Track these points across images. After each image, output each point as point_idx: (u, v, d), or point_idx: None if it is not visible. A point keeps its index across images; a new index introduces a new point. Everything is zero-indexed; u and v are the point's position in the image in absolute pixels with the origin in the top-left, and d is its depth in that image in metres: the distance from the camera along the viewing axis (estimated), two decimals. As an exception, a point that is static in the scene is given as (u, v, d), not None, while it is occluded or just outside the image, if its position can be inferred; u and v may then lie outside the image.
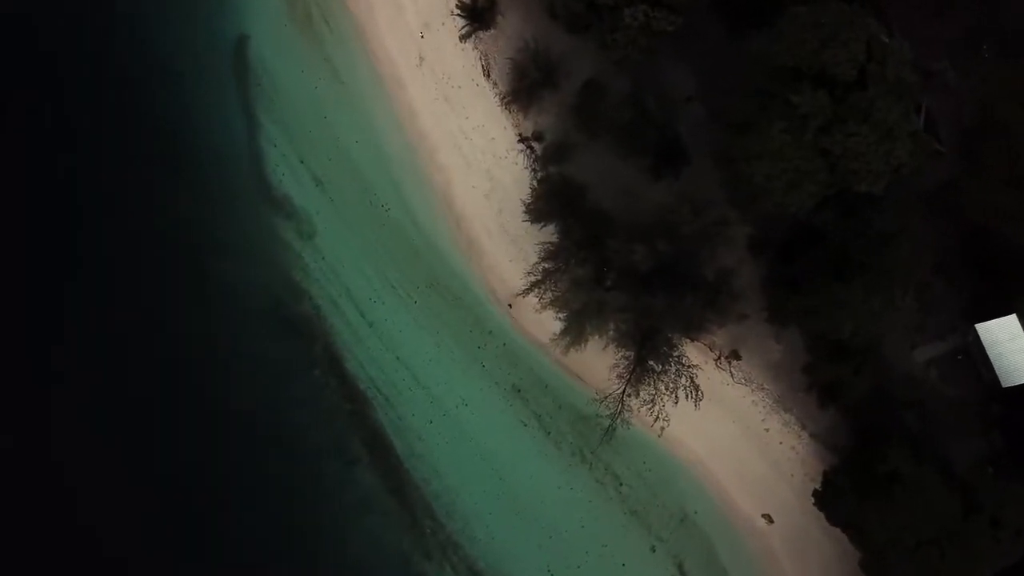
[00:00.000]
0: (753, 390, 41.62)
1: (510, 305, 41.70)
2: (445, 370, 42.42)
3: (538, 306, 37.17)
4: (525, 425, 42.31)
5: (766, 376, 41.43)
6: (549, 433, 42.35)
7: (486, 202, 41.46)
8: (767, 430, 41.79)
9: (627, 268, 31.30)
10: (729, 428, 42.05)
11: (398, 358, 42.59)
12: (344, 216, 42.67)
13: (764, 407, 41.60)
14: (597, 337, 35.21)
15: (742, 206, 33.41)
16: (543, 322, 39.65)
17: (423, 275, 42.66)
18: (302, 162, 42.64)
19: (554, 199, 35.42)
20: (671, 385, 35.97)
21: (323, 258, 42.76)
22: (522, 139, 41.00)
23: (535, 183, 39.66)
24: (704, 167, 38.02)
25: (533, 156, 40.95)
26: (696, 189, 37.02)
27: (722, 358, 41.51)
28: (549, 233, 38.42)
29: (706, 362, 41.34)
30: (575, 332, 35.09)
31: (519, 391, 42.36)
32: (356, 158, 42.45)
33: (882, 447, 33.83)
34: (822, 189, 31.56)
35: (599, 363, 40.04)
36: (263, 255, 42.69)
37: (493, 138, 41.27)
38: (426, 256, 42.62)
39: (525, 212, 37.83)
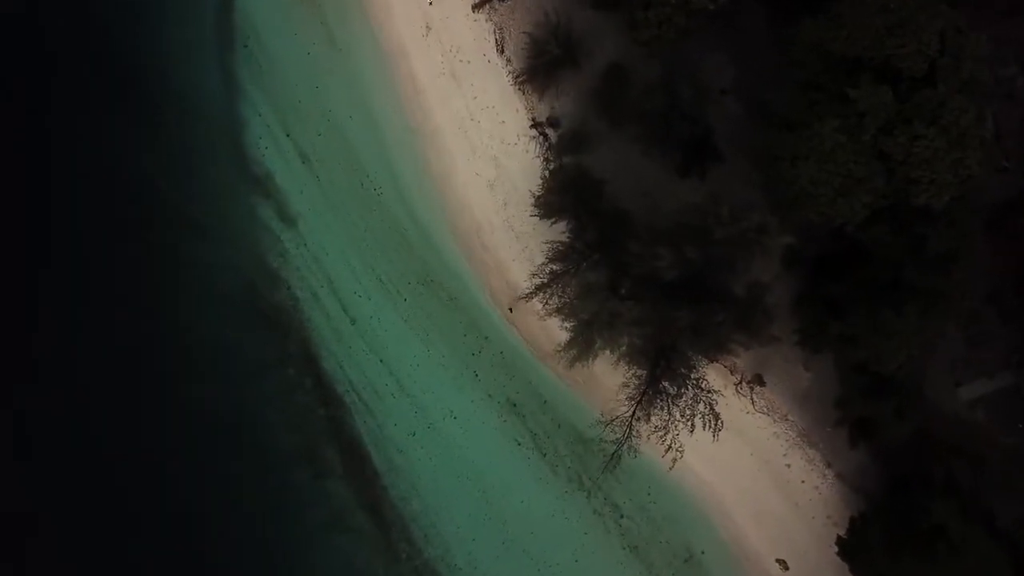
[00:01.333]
0: (776, 420, 38.53)
1: (511, 309, 38.55)
2: (433, 377, 39.24)
3: (542, 312, 34.02)
4: (519, 444, 39.12)
5: (791, 406, 38.35)
6: (545, 455, 39.17)
7: (490, 193, 38.30)
8: (788, 466, 38.69)
9: (647, 276, 28.17)
10: (746, 461, 38.96)
11: (382, 360, 39.38)
12: (331, 198, 39.46)
13: (787, 440, 38.51)
14: (607, 352, 32.01)
15: (781, 213, 30.25)
16: (547, 331, 36.52)
17: (415, 270, 39.47)
18: (288, 135, 39.44)
19: (567, 193, 32.27)
20: (687, 411, 32.81)
21: (305, 244, 39.55)
22: (535, 124, 37.87)
23: (547, 174, 36.44)
24: (737, 167, 35.04)
25: (546, 144, 37.82)
26: (727, 190, 33.92)
27: (743, 383, 38.38)
28: (559, 231, 35.29)
29: (725, 386, 38.25)
30: (582, 345, 31.91)
31: (515, 406, 39.18)
32: (349, 135, 39.24)
33: (923, 497, 30.71)
34: (875, 199, 28.46)
35: (606, 380, 36.99)
36: (238, 236, 39.48)
37: (503, 121, 38.14)
38: (420, 249, 39.43)
39: (534, 206, 34.66)
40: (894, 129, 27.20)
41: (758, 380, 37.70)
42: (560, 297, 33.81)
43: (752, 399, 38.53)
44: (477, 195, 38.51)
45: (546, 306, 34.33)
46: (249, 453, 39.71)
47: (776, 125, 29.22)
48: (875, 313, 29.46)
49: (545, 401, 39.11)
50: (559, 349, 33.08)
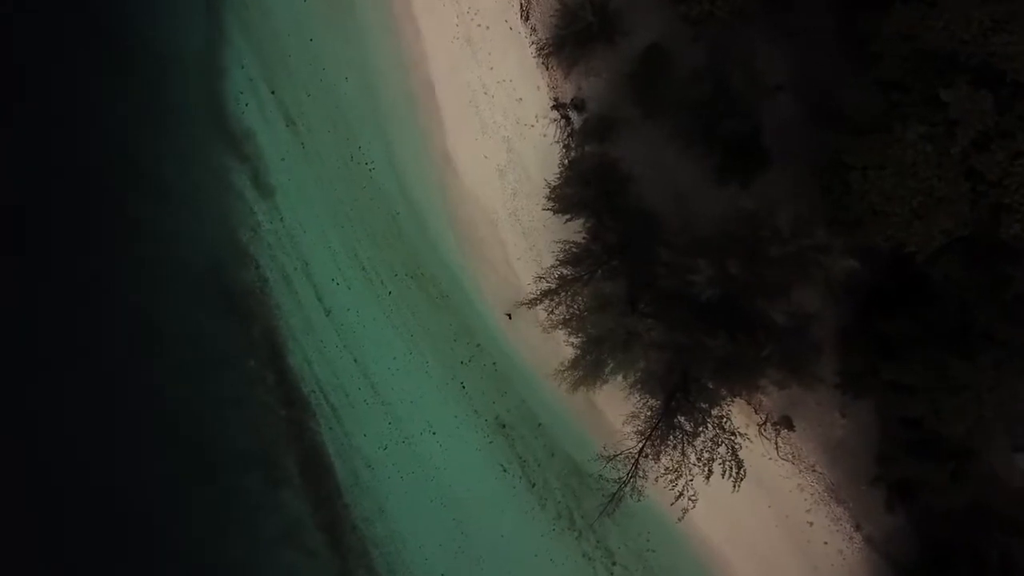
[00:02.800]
0: (801, 471, 34.65)
1: (509, 315, 34.62)
2: (414, 385, 35.32)
3: (545, 323, 30.13)
4: (505, 471, 35.19)
5: (821, 456, 34.48)
6: (534, 485, 35.24)
7: (499, 179, 34.38)
8: (810, 524, 34.82)
9: (677, 291, 24.28)
10: (762, 513, 35.08)
11: (356, 360, 35.43)
12: (315, 169, 35.50)
13: (811, 494, 34.64)
14: (618, 377, 28.13)
15: (839, 232, 26.36)
16: (549, 344, 32.61)
17: (404, 260, 35.51)
18: (273, 93, 35.45)
19: (587, 187, 28.42)
20: (704, 454, 28.95)
21: (280, 218, 35.56)
22: (557, 105, 33.96)
23: (566, 163, 32.64)
24: (786, 175, 31.28)
25: (568, 129, 33.90)
26: (771, 200, 30.10)
27: (768, 424, 34.53)
28: (573, 230, 31.43)
29: (747, 426, 34.37)
30: (590, 366, 28.04)
31: (504, 426, 35.24)
32: (342, 98, 35.26)
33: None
34: (957, 226, 24.63)
35: (612, 408, 33.13)
36: (205, 202, 35.52)
37: (520, 99, 34.22)
38: (412, 236, 35.48)
39: (547, 198, 30.77)
40: (990, 143, 23.37)
41: (786, 423, 33.82)
42: (568, 307, 29.93)
43: (777, 444, 34.67)
44: (483, 181, 34.58)
45: (551, 316, 30.44)
46: (196, 450, 35.69)
47: (847, 129, 25.34)
48: (941, 362, 25.63)
49: (539, 424, 35.19)
50: (562, 368, 29.14)
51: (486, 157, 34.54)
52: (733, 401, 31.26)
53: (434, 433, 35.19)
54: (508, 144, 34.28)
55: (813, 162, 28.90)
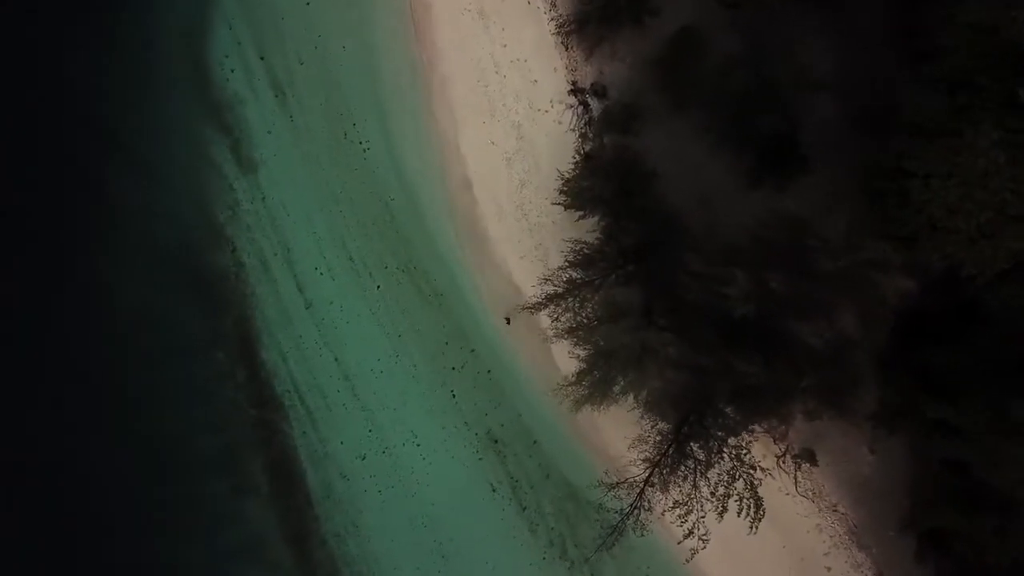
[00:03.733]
0: (821, 510, 31.92)
1: (508, 320, 31.92)
2: (399, 390, 32.57)
3: (549, 331, 27.43)
4: (494, 491, 32.45)
5: (845, 495, 31.74)
6: (525, 508, 32.49)
7: (506, 168, 31.66)
8: (829, 569, 32.11)
9: (704, 305, 21.57)
10: (775, 554, 32.34)
11: (337, 360, 32.70)
12: (304, 146, 32.75)
13: (831, 536, 31.92)
14: (628, 397, 25.44)
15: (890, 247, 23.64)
16: (552, 355, 29.94)
17: (396, 252, 32.77)
18: (262, 58, 32.71)
19: (606, 180, 25.72)
20: (720, 489, 26.27)
21: (263, 198, 32.82)
22: (576, 90, 31.25)
23: (582, 154, 29.94)
24: (825, 180, 28.45)
25: (586, 117, 31.18)
26: (814, 206, 27.42)
27: (788, 456, 31.81)
28: (585, 229, 28.83)
29: (764, 456, 31.70)
30: (597, 383, 25.34)
31: (495, 442, 32.51)
32: (339, 69, 32.52)
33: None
34: (1025, 248, 21.99)
35: (617, 428, 30.41)
36: (180, 176, 32.77)
37: (535, 80, 31.52)
38: (406, 226, 32.73)
39: (560, 192, 28.14)
40: (1075, 155, 20.76)
41: (808, 456, 31.06)
42: (575, 314, 27.27)
43: (796, 478, 31.95)
44: (488, 169, 31.85)
45: (555, 323, 27.77)
46: (155, 448, 32.93)
47: (908, 132, 22.62)
48: (999, 402, 22.93)
49: (535, 442, 32.44)
50: (565, 383, 26.47)
51: (493, 143, 31.82)
52: (754, 432, 28.72)
53: (418, 445, 32.46)
54: (518, 130, 31.56)
55: (858, 167, 26.30)
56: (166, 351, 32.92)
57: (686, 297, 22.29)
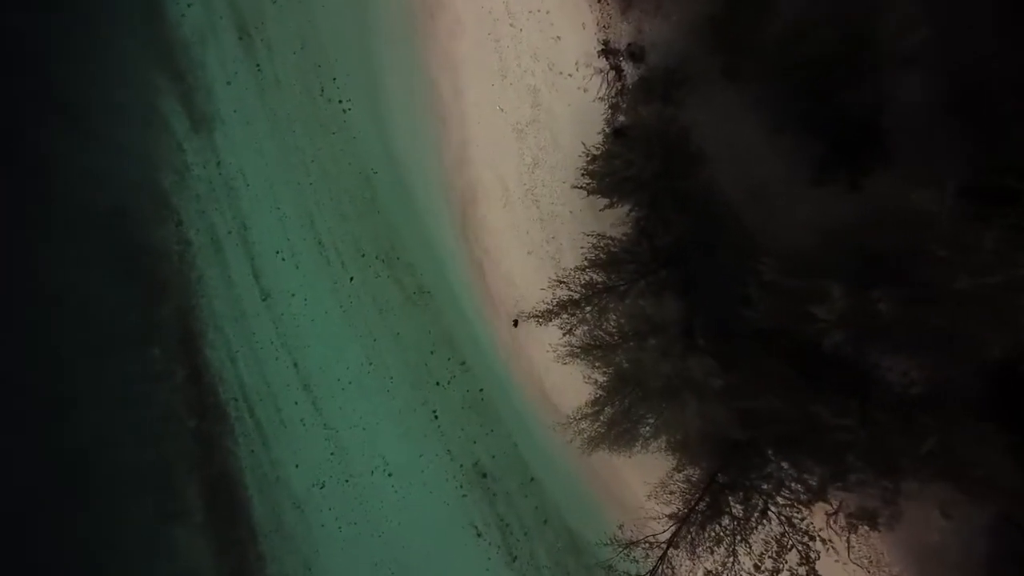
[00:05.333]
0: (879, 582, 27.16)
1: (516, 322, 26.86)
2: (370, 406, 27.59)
3: (561, 345, 22.42)
4: (479, 535, 27.43)
5: (909, 565, 26.83)
6: (515, 559, 27.45)
7: (516, 142, 26.67)
8: (883, 654, 27.31)
9: (771, 327, 16.62)
10: (817, 630, 27.54)
11: (296, 365, 27.73)
12: (272, 101, 27.78)
13: (888, 615, 27.14)
14: (659, 439, 20.47)
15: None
16: (561, 377, 24.92)
17: (376, 238, 27.78)
18: (227, -8, 27.84)
19: (645, 160, 20.67)
20: (767, 561, 21.38)
21: (218, 162, 27.83)
22: (607, 51, 26.22)
23: (612, 129, 24.96)
24: (914, 176, 23.71)
25: (618, 85, 26.18)
26: (889, 209, 22.54)
27: (840, 514, 26.90)
28: (610, 221, 23.98)
29: (809, 511, 26.85)
30: (620, 419, 20.33)
31: (484, 476, 27.50)
32: (319, 9, 27.48)
33: None
34: None
35: (636, 469, 25.47)
36: (118, 126, 27.79)
37: (558, 37, 26.54)
38: (390, 206, 27.76)
39: (583, 173, 23.15)
40: None
41: (868, 519, 26.13)
42: (595, 328, 22.30)
43: (849, 541, 27.05)
44: (494, 142, 26.85)
45: (568, 336, 22.81)
46: (70, 458, 27.98)
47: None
48: None
49: (532, 479, 27.45)
50: (578, 414, 21.46)
51: (502, 110, 26.82)
52: (810, 485, 23.78)
53: (389, 474, 27.46)
54: (534, 96, 26.57)
55: (958, 162, 21.44)
56: (88, 342, 27.85)
57: (746, 315, 17.39)
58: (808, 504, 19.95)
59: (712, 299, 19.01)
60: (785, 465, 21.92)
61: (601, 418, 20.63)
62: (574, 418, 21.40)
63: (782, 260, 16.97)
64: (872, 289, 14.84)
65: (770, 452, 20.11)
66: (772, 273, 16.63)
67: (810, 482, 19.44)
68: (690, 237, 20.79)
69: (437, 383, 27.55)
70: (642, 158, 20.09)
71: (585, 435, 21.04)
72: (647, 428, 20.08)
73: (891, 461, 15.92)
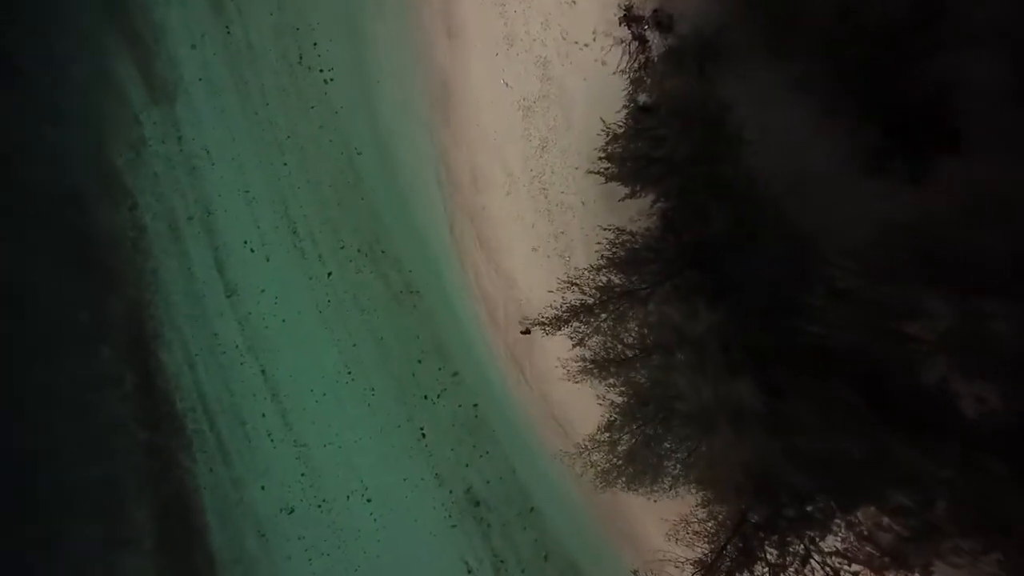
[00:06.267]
0: (927, 637, 23.95)
1: (527, 330, 23.61)
2: (348, 422, 24.39)
3: (572, 360, 19.24)
4: (470, 571, 24.15)
5: (963, 621, 23.77)
6: (511, 599, 24.38)
7: (522, 120, 23.49)
8: None
9: (841, 347, 13.51)
10: None
11: (264, 372, 24.53)
12: (243, 69, 24.55)
13: (937, 675, 23.94)
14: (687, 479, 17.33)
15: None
16: (571, 392, 21.66)
17: (359, 228, 24.58)
18: (194, -59, 24.63)
19: (679, 139, 17.53)
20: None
21: (179, 137, 24.63)
22: (630, 18, 22.95)
23: (634, 108, 21.80)
24: (984, 170, 20.64)
25: (642, 57, 22.95)
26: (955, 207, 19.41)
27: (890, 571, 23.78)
28: (630, 215, 20.82)
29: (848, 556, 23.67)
30: (640, 451, 17.15)
31: (477, 504, 24.30)
32: (298, -35, 24.46)
33: None
34: None
35: (654, 504, 22.29)
36: (66, 93, 24.58)
37: (573, 1, 23.34)
38: (376, 192, 24.56)
39: (601, 156, 20.00)
40: None
41: (921, 569, 23.05)
42: (611, 339, 19.14)
43: (895, 590, 23.95)
44: (497, 120, 23.66)
45: (578, 347, 19.66)
46: (4, 477, 24.83)
47: None
48: None
49: (532, 509, 24.23)
50: (590, 443, 18.28)
51: (507, 84, 23.62)
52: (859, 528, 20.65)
53: (368, 500, 24.26)
54: (544, 68, 23.37)
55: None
56: (27, 341, 24.69)
57: (806, 329, 14.26)
58: (880, 571, 16.78)
59: (757, 308, 15.88)
60: (834, 506, 18.84)
61: (618, 449, 17.47)
62: (585, 447, 18.23)
63: (861, 261, 13.84)
64: (982, 303, 11.79)
65: (825, 499, 17.00)
66: (851, 278, 13.52)
67: (875, 537, 16.26)
68: (728, 233, 17.66)
69: (425, 396, 24.31)
70: (676, 135, 16.94)
71: (598, 469, 17.87)
72: (675, 465, 16.92)
73: (1002, 523, 12.83)
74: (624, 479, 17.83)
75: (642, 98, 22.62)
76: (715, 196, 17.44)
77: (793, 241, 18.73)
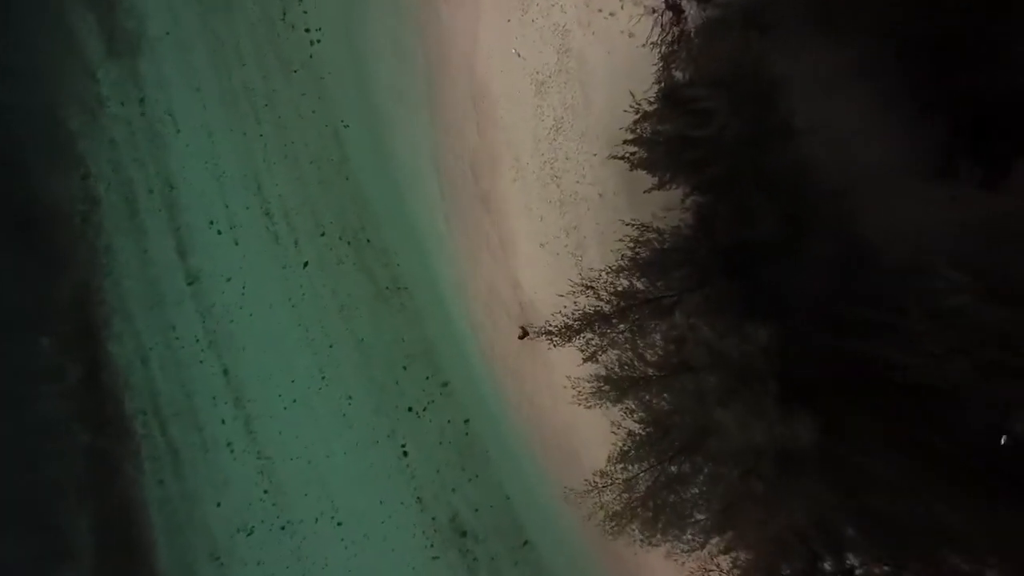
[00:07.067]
0: None
1: (525, 333, 20.77)
2: (319, 434, 21.49)
3: (585, 381, 16.41)
4: (452, 611, 21.49)
5: None
6: (497, 646, 21.56)
7: (535, 98, 20.65)
8: None
9: (928, 385, 10.68)
10: None
11: (227, 372, 21.60)
12: (214, 23, 21.55)
13: None
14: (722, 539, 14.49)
15: None
16: (581, 414, 18.85)
17: (342, 212, 21.68)
18: None
19: (726, 118, 14.68)
20: None
21: (141, 99, 21.69)
22: (664, -17, 20.32)
23: (664, 85, 18.99)
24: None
25: (676, 30, 20.19)
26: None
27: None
28: (654, 210, 18.05)
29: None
30: (662, 492, 14.33)
31: (464, 535, 21.41)
32: (285, -95, 21.54)
33: None
34: None
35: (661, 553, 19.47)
36: (14, 46, 21.62)
37: (599, -38, 20.56)
38: (363, 173, 21.73)
39: (628, 139, 17.16)
40: None
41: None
42: (630, 354, 16.32)
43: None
44: (507, 96, 20.78)
45: (590, 362, 16.85)
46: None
47: None
48: None
49: (526, 543, 21.32)
50: (601, 480, 15.41)
51: (519, 55, 20.76)
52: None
53: (339, 524, 21.36)
54: (563, 38, 20.51)
55: None
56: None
57: (887, 358, 11.44)
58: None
59: (815, 326, 13.09)
60: (883, 566, 16.06)
61: (635, 491, 14.63)
62: (595, 485, 15.37)
63: (975, 275, 11.00)
64: None
65: (873, 555, 14.25)
66: (959, 295, 10.69)
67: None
68: (778, 235, 14.86)
69: (409, 409, 21.42)
70: (727, 109, 14.11)
71: (610, 511, 15.02)
72: (707, 513, 14.10)
73: None
74: (640, 528, 14.98)
75: (675, 75, 19.88)
76: (764, 190, 14.66)
77: (853, 248, 16.00)
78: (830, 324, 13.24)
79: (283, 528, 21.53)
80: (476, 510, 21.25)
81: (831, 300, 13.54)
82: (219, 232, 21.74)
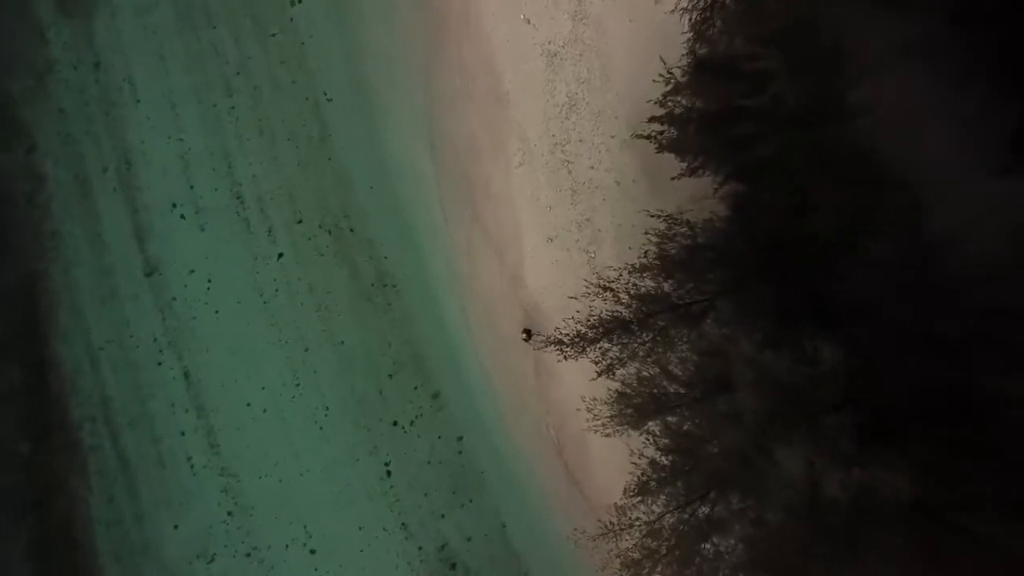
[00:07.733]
0: None
1: (528, 334, 18.38)
2: (292, 449, 19.11)
3: (602, 404, 13.99)
4: (438, 653, 19.11)
5: None
6: None
7: (546, 71, 18.24)
8: None
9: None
10: None
11: (188, 377, 19.18)
12: (183, -21, 19.34)
13: None
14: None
15: None
16: (592, 444, 16.46)
17: (323, 197, 19.37)
18: None
19: (784, 84, 12.29)
20: None
21: (96, 64, 19.29)
22: (697, -56, 17.91)
23: (695, 57, 16.62)
24: None
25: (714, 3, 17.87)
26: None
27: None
28: (681, 200, 15.70)
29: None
30: (693, 539, 11.92)
31: (453, 567, 19.04)
32: None
33: None
34: None
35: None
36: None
37: (622, -82, 18.15)
38: (347, 154, 19.38)
39: (656, 116, 14.70)
40: None
41: None
42: (654, 369, 13.93)
43: None
44: (513, 68, 18.39)
45: (604, 376, 14.46)
46: None
47: None
48: None
49: (527, 574, 19.09)
50: (618, 524, 12.93)
51: (528, 21, 18.34)
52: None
53: (312, 551, 18.96)
54: (578, 3, 18.07)
55: None
56: None
57: (996, 389, 9.09)
58: None
59: (896, 346, 10.72)
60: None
61: (659, 537, 12.20)
62: (610, 528, 12.93)
63: None
64: None
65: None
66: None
67: None
68: (835, 231, 12.48)
69: (395, 423, 19.02)
70: (786, 73, 11.71)
71: (628, 560, 12.57)
72: (745, 571, 11.68)
73: None
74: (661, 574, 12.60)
75: (709, 46, 17.44)
76: (826, 175, 12.28)
77: (921, 250, 13.63)
78: (916, 341, 10.85)
79: (248, 555, 19.06)
80: (468, 539, 18.82)
81: (918, 312, 11.14)
82: (182, 217, 19.29)
